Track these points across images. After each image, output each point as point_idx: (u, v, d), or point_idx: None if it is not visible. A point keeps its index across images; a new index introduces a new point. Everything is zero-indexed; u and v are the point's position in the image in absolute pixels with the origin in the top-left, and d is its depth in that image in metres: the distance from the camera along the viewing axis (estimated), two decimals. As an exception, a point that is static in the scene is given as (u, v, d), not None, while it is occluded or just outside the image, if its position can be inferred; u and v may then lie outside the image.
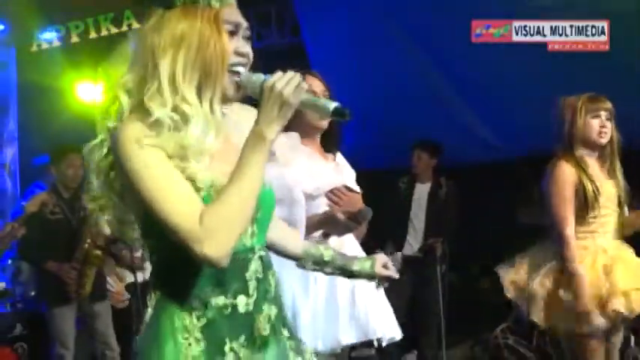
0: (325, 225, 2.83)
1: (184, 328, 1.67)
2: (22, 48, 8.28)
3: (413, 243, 5.96)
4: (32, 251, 5.12)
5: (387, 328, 2.97)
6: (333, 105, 1.68)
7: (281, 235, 2.12)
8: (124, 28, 7.71)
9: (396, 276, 2.31)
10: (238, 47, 1.72)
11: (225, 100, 1.74)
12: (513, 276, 3.69)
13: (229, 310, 1.71)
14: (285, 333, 1.84)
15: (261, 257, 1.78)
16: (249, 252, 1.75)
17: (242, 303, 1.72)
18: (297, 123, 2.85)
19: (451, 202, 6.02)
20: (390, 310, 3.04)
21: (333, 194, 2.90)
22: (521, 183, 7.00)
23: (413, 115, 6.61)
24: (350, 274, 2.25)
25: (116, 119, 1.67)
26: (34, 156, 7.48)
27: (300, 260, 2.18)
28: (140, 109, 1.64)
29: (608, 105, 3.64)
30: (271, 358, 1.76)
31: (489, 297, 6.72)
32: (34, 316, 6.04)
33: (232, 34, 1.72)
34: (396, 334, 3.03)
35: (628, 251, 3.62)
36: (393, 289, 3.10)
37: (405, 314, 2.94)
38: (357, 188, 3.12)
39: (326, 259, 2.20)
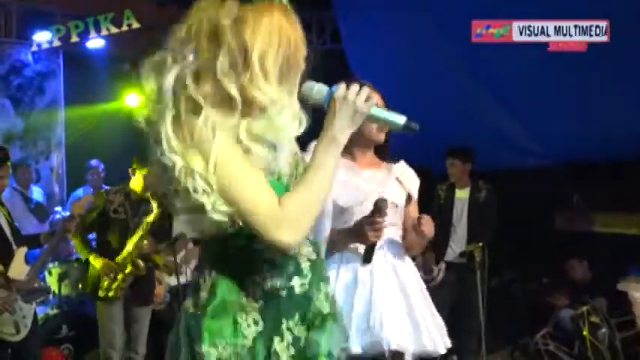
0: (354, 236, 2.79)
1: (242, 308, 1.74)
2: (68, 54, 8.46)
3: (456, 249, 5.92)
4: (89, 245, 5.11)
5: (408, 340, 2.80)
6: (403, 119, 1.75)
7: None
8: (124, 28, 7.76)
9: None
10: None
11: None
12: None
13: (285, 291, 1.78)
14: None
15: (312, 241, 1.88)
16: None
17: (297, 284, 1.80)
18: (354, 136, 2.91)
19: (490, 204, 5.97)
20: (430, 322, 2.91)
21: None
22: (560, 188, 6.96)
23: (452, 119, 6.60)
24: None
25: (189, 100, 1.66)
26: (81, 161, 7.65)
27: None
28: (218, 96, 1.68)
29: None
30: (327, 338, 1.82)
31: (529, 302, 6.69)
32: (80, 318, 6.16)
33: None
34: (433, 346, 2.86)
35: None
36: (435, 295, 3.10)
37: (446, 319, 2.95)
38: (416, 195, 3.07)
39: None
